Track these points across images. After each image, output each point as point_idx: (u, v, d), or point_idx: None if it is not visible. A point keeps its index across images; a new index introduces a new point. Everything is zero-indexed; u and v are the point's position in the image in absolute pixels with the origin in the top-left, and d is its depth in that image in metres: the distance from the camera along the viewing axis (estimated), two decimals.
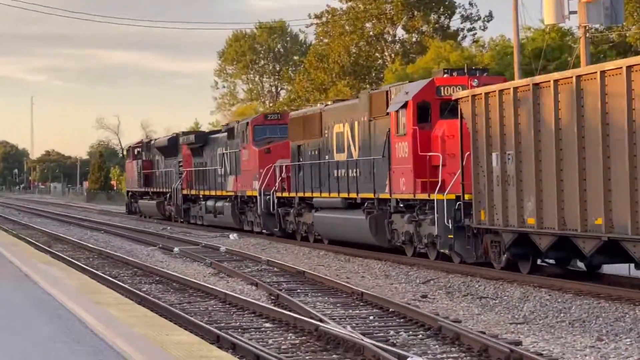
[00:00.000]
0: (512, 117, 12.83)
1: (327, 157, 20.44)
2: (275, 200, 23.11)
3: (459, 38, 44.04)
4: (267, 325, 9.57)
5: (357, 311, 10.68)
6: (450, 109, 15.37)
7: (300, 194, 22.02)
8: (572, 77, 11.43)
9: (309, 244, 20.93)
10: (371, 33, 45.15)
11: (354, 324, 9.52)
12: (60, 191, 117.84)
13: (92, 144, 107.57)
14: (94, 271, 15.42)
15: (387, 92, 17.56)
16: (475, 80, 15.44)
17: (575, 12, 19.67)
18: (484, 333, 8.23)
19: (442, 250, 16.01)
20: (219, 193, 27.76)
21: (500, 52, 35.58)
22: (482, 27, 42.91)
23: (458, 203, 14.69)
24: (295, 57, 65.08)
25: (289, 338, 8.55)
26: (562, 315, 10.02)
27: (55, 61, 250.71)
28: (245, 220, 26.29)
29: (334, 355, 7.51)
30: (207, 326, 9.11)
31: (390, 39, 45.90)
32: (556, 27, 31.38)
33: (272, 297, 11.98)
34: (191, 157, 31.29)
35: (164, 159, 34.74)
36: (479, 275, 13.95)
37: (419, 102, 15.77)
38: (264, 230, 24.80)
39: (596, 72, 11.02)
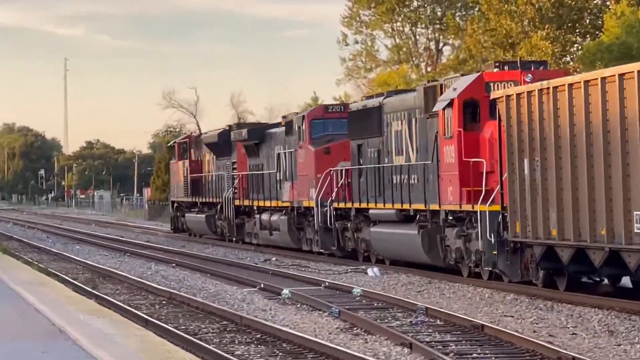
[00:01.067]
0: (537, 122, 16.16)
1: (386, 160, 23.46)
2: (333, 213, 26.54)
3: None
4: None
5: None
6: None
7: (357, 205, 24.95)
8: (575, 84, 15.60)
9: (487, 283, 20.63)
10: None
11: None
12: (110, 203, 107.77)
13: (156, 132, 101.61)
14: (162, 325, 14.97)
15: (440, 85, 20.75)
16: (530, 75, 18.33)
17: None
18: None
19: (486, 268, 18.77)
20: (274, 204, 31.21)
21: None
22: None
23: (500, 214, 17.70)
24: None
25: None
26: None
27: (98, 6, 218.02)
28: (304, 237, 29.38)
29: None
30: None
31: None
32: None
33: None
34: (246, 158, 34.53)
35: (215, 160, 38.13)
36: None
37: (466, 99, 18.91)
38: (322, 250, 27.78)
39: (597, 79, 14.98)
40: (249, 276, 24.10)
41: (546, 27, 41.83)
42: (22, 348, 10.97)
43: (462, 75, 23.11)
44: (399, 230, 22.85)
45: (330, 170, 27.16)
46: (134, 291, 21.73)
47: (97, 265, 28.72)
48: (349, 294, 19.60)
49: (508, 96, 17.63)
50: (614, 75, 14.69)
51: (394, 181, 23.16)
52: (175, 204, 46.28)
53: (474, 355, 12.22)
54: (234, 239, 36.42)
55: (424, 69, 61.46)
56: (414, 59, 63.98)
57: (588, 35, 42.39)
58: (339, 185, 26.84)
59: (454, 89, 19.86)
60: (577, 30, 43.53)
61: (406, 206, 22.21)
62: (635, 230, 14.46)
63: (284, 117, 34.46)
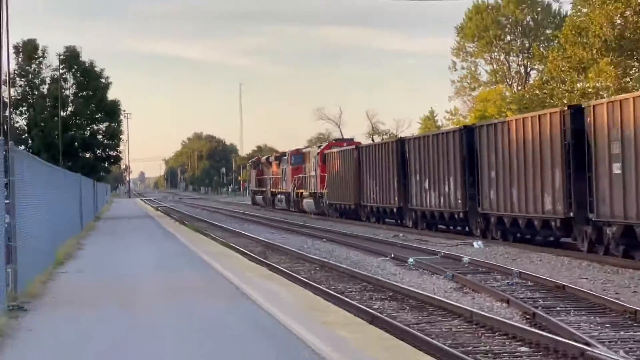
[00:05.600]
0: (333, 165, 26.61)
1: (312, 173, 58.39)
2: (295, 194, 63.45)
3: None
4: (523, 349, 10.44)
5: (631, 333, 11.42)
6: None
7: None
8: None
9: (567, 253, 23.04)
10: None
11: (627, 348, 10.32)
12: None
13: (310, 138, 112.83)
14: (317, 286, 16.73)
15: (319, 146, 58.89)
16: (339, 145, 54.12)
17: None
18: None
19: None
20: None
21: None
22: None
23: None
24: (548, 31, 71.84)
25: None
26: None
27: (266, 41, 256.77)
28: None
29: None
30: (452, 350, 10.01)
31: None
32: None
33: (527, 316, 12.84)
34: (276, 168, 68.93)
35: (269, 169, 72.24)
36: None
37: (322, 153, 54.78)
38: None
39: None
40: (382, 248, 26.38)
41: (610, 54, 49.08)
42: (213, 304, 12.16)
43: (319, 146, 57.80)
44: None
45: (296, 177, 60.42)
46: (295, 260, 23.97)
47: (266, 240, 31.70)
48: (459, 261, 21.87)
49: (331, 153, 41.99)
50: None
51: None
52: (252, 191, 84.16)
53: (558, 308, 13.85)
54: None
55: (515, 88, 73.66)
56: (507, 80, 77.10)
57: None
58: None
59: (319, 147, 55.16)
60: (635, 57, 50.97)
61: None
62: None
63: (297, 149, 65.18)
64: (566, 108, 24.14)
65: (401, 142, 39.23)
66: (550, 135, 23.91)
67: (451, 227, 34.20)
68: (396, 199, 37.71)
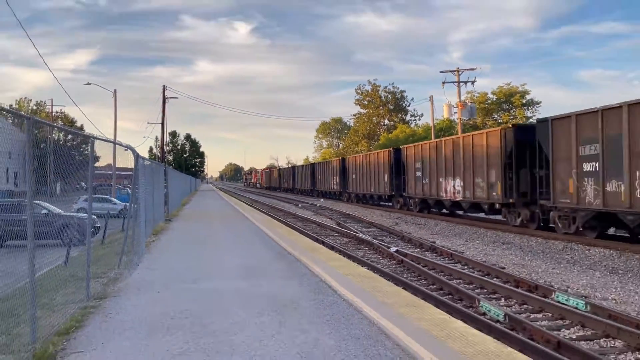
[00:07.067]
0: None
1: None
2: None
3: (411, 123, 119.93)
4: (336, 234, 31.55)
5: (371, 229, 33.57)
6: None
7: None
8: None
9: (379, 209, 46.34)
10: (374, 120, 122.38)
11: (368, 233, 31.76)
12: None
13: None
14: (270, 213, 46.68)
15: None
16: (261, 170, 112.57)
17: (456, 112, 58.52)
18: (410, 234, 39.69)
19: None
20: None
21: (427, 129, 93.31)
22: (419, 118, 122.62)
23: None
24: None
25: (344, 240, 28.33)
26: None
27: None
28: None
29: (360, 246, 25.88)
30: (315, 235, 38.36)
31: (383, 123, 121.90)
32: (448, 119, 78.22)
33: (338, 223, 37.37)
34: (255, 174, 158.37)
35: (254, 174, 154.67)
36: None
37: (265, 169, 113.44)
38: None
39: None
40: (308, 206, 51.75)
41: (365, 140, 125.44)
42: (287, 284, 13.45)
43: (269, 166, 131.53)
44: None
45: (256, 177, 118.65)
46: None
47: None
48: (316, 205, 47.76)
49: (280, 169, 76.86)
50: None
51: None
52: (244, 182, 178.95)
53: (348, 222, 41.55)
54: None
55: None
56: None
57: (376, 142, 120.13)
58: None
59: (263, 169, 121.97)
60: (374, 139, 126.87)
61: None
62: None
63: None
64: (391, 149, 50.23)
65: (343, 159, 68.58)
66: (384, 160, 51.43)
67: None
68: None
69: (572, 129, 24.80)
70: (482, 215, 36.96)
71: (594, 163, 23.65)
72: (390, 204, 51.28)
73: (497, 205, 31.72)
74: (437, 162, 38.83)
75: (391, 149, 49.98)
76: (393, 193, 48.25)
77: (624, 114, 21.94)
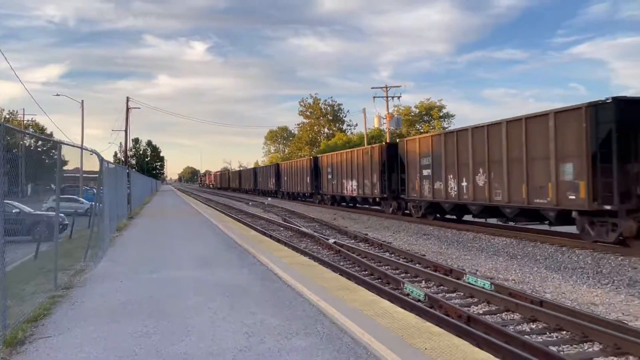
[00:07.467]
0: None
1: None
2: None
3: (347, 131, 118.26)
4: (282, 228, 30.91)
5: (312, 224, 33.99)
6: None
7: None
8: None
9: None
10: (316, 129, 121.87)
11: (310, 227, 33.30)
12: None
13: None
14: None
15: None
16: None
17: (385, 122, 60.52)
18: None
19: None
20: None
21: (361, 137, 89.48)
22: (354, 128, 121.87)
23: None
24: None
25: (289, 234, 28.95)
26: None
27: None
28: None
29: (303, 238, 26.22)
30: (264, 230, 38.49)
31: (323, 131, 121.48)
32: (378, 128, 77.33)
33: (283, 219, 36.67)
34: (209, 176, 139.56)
35: (209, 176, 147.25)
36: None
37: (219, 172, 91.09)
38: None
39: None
40: (258, 204, 51.35)
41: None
42: (238, 272, 13.19)
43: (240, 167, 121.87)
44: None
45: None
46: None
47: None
48: (264, 203, 47.06)
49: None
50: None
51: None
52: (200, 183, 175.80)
53: (292, 218, 39.89)
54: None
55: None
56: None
57: (316, 148, 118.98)
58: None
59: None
60: (316, 145, 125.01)
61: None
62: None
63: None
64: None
65: (277, 165, 73.02)
66: (307, 166, 53.27)
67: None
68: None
69: (417, 147, 32.37)
70: (367, 206, 43.47)
71: (428, 170, 30.79)
72: (312, 199, 57.15)
73: (377, 199, 38.78)
74: (341, 168, 46.09)
75: (311, 157, 56.77)
76: (313, 191, 54.66)
77: (442, 138, 29.32)
